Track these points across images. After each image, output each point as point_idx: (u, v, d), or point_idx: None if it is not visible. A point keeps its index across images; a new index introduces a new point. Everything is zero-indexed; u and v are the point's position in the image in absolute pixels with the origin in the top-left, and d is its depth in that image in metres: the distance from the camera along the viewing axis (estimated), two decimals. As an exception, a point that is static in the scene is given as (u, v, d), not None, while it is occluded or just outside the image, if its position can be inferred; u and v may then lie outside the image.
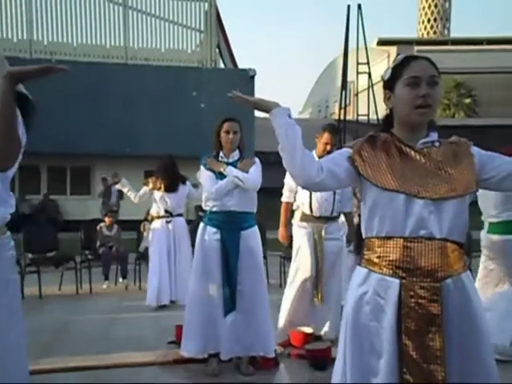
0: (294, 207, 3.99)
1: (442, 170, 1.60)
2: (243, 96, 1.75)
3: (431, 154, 1.62)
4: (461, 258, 1.60)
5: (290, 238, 4.04)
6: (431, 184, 1.57)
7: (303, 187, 1.67)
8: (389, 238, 1.58)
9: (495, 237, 3.71)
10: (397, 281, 1.56)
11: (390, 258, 1.58)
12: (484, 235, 3.82)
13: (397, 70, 1.65)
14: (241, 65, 17.10)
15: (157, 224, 5.50)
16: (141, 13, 15.61)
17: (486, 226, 3.81)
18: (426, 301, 1.53)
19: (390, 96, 1.67)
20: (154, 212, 5.57)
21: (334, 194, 3.80)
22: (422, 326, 1.52)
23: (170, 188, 5.38)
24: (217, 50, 16.40)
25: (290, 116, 1.67)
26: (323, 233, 3.86)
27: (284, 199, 4.02)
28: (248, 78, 14.93)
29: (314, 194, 3.78)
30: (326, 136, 3.81)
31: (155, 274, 5.36)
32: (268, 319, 3.41)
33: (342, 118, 17.04)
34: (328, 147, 3.76)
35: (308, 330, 3.86)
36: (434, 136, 1.67)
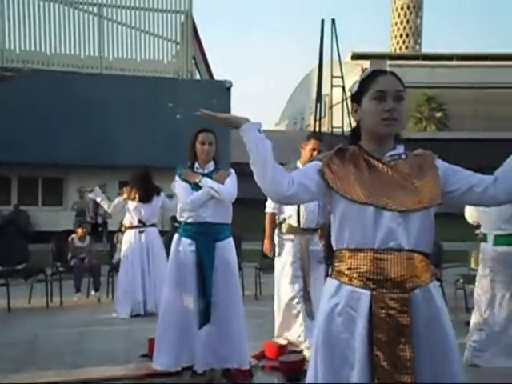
0: (280, 219, 3.93)
1: (409, 183, 1.62)
2: (211, 113, 1.75)
3: (398, 167, 1.65)
4: (428, 268, 1.63)
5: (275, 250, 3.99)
6: (398, 196, 1.60)
7: (275, 201, 1.68)
8: (359, 249, 1.60)
9: (502, 248, 3.79)
10: (367, 292, 1.58)
11: (361, 270, 1.60)
12: (489, 247, 3.87)
13: (364, 83, 1.68)
14: (217, 76, 17.18)
15: (129, 234, 5.46)
16: (116, 23, 15.55)
17: (491, 238, 3.86)
18: (396, 312, 1.55)
19: (358, 109, 1.70)
20: (126, 222, 5.53)
21: (319, 205, 3.81)
22: (392, 337, 1.54)
23: (145, 198, 5.37)
24: (193, 61, 16.43)
25: (259, 131, 1.68)
26: (309, 244, 3.86)
27: (268, 210, 3.97)
28: (224, 89, 14.98)
29: (301, 206, 3.78)
30: (312, 141, 3.82)
31: (126, 285, 5.31)
32: (243, 331, 3.40)
33: (317, 130, 17.26)
34: (315, 153, 3.75)
35: (283, 341, 3.86)
36: (401, 149, 1.70)
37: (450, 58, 38.12)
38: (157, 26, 15.79)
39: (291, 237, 3.87)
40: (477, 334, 3.91)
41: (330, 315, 1.61)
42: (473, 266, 5.98)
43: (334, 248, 1.69)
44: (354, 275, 1.60)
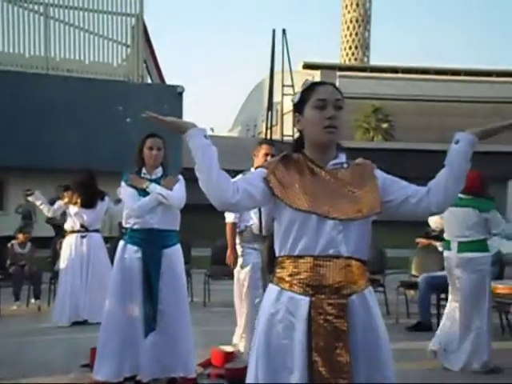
0: (242, 228, 3.86)
1: (350, 191, 1.67)
2: (157, 116, 1.73)
3: (340, 175, 1.69)
4: (364, 274, 1.68)
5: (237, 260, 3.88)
6: (340, 205, 1.64)
7: (219, 208, 1.68)
8: (300, 256, 1.63)
9: (467, 255, 4.00)
10: (307, 298, 1.61)
11: (301, 277, 1.62)
12: (453, 255, 4.08)
13: (305, 93, 1.72)
14: (169, 81, 17.02)
15: (71, 239, 5.33)
16: (63, 23, 15.13)
17: (455, 246, 4.07)
18: (334, 317, 1.58)
19: (300, 119, 1.74)
20: (68, 227, 5.39)
21: None
22: (330, 342, 1.57)
23: (88, 203, 5.25)
24: (144, 65, 16.22)
25: (206, 136, 1.67)
26: None
27: (229, 220, 3.84)
28: (176, 94, 14.87)
29: (263, 213, 3.73)
30: (264, 147, 3.79)
31: (66, 291, 5.17)
32: (189, 339, 3.37)
33: (268, 137, 17.44)
34: (268, 158, 3.73)
35: (229, 348, 3.85)
36: (343, 157, 1.74)
37: (395, 70, 39.56)
38: (106, 28, 15.49)
39: (254, 245, 3.81)
40: (448, 338, 4.09)
41: (271, 322, 1.63)
42: (413, 272, 6.22)
43: (277, 254, 1.71)
44: (295, 281, 1.63)
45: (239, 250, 3.90)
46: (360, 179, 1.70)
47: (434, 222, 4.38)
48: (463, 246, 4.03)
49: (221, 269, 6.96)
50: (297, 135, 1.80)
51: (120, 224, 7.29)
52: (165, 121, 1.71)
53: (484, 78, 38.65)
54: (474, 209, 4.02)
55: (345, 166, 1.73)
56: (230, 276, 6.83)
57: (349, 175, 1.70)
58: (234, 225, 3.85)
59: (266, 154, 3.73)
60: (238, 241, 3.90)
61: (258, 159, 3.80)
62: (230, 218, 3.85)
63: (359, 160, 1.77)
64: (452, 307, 4.16)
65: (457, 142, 1.69)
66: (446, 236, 4.21)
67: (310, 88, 1.73)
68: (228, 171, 1.66)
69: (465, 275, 4.03)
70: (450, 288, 4.22)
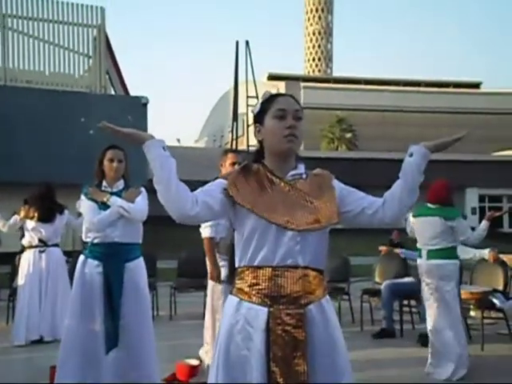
0: (217, 240, 3.71)
1: (308, 202, 1.69)
2: (114, 127, 1.71)
3: (299, 186, 1.71)
4: (321, 284, 1.70)
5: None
6: (298, 215, 1.65)
7: (178, 220, 1.66)
8: (259, 267, 1.64)
9: (435, 262, 4.15)
10: (265, 309, 1.61)
11: (260, 287, 1.63)
12: (423, 262, 4.24)
13: (265, 104, 1.74)
14: (134, 92, 16.87)
15: (28, 254, 5.18)
16: (22, 34, 14.83)
17: (424, 253, 4.22)
18: (292, 327, 1.59)
19: (260, 129, 1.76)
20: (25, 242, 5.24)
21: None
22: (288, 352, 1.58)
23: (45, 217, 5.11)
24: (107, 76, 16.03)
25: (164, 148, 1.66)
26: None
27: (206, 235, 3.69)
28: (140, 105, 14.73)
29: None
30: (230, 156, 3.73)
31: (23, 308, 5.02)
32: (153, 354, 3.30)
33: (234, 147, 17.46)
34: (236, 167, 3.70)
35: (194, 362, 3.81)
36: (302, 168, 1.76)
37: (358, 81, 40.40)
38: (67, 39, 15.27)
39: (227, 257, 3.63)
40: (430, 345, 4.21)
41: (230, 333, 1.63)
42: (377, 279, 6.32)
43: (237, 265, 1.72)
44: (253, 292, 1.64)
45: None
46: (318, 190, 1.72)
47: (409, 231, 4.58)
48: (432, 254, 4.17)
49: (187, 281, 6.92)
50: (257, 145, 1.81)
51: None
52: (122, 132, 1.69)
53: (444, 89, 39.92)
54: (440, 217, 4.15)
55: (303, 176, 1.74)
56: (197, 288, 6.84)
57: (307, 186, 1.71)
58: (212, 239, 3.71)
59: (233, 163, 3.67)
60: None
61: (225, 168, 3.76)
62: (206, 232, 3.70)
63: (317, 170, 1.79)
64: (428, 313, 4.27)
65: (411, 155, 1.72)
66: (418, 244, 4.35)
67: (269, 99, 1.75)
68: (195, 182, 1.64)
69: (433, 282, 4.15)
70: (423, 295, 4.33)
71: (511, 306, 4.89)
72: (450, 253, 4.16)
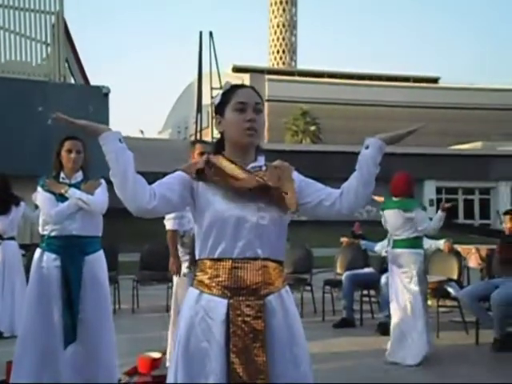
0: (181, 233, 3.69)
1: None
2: (68, 118, 1.67)
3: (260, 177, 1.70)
4: (281, 274, 1.72)
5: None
6: (258, 207, 1.66)
7: (135, 214, 1.64)
8: (219, 259, 1.64)
9: (398, 251, 4.37)
10: (225, 301, 1.62)
11: (220, 279, 1.63)
12: (389, 250, 4.48)
13: (225, 96, 1.74)
14: (95, 82, 16.48)
15: None
16: (-25, 20, 14.22)
17: (391, 242, 4.46)
18: (251, 318, 1.61)
19: (221, 120, 1.75)
20: None
21: None
22: (248, 343, 1.59)
23: (0, 209, 4.95)
24: (66, 65, 15.58)
25: (121, 140, 1.63)
26: None
27: (169, 227, 3.69)
28: (101, 95, 14.40)
29: None
30: (198, 146, 3.70)
31: None
32: (112, 348, 3.26)
33: (198, 139, 17.36)
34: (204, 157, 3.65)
35: (156, 354, 3.79)
36: (262, 160, 1.77)
37: (321, 75, 40.76)
38: (24, 26, 14.71)
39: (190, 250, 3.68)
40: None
41: (190, 325, 1.63)
42: (338, 270, 6.43)
43: (197, 257, 1.71)
44: (213, 284, 1.64)
45: (180, 256, 3.74)
46: (278, 181, 1.72)
47: (383, 223, 4.71)
48: (397, 243, 4.41)
49: (150, 274, 6.86)
50: (218, 137, 1.81)
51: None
52: (76, 123, 1.66)
53: (403, 84, 40.78)
54: (400, 209, 4.38)
55: (263, 168, 1.75)
56: (160, 281, 6.78)
57: (267, 178, 1.71)
58: (175, 232, 3.70)
59: (201, 153, 3.64)
60: (178, 247, 3.75)
61: (193, 159, 3.73)
62: (169, 225, 3.70)
63: (277, 162, 1.80)
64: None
65: (366, 148, 1.76)
66: (388, 235, 4.58)
67: (230, 90, 1.74)
68: (158, 174, 1.61)
69: (398, 270, 4.35)
70: (389, 282, 4.50)
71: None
72: (413, 243, 4.36)
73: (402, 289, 4.30)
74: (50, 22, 15.01)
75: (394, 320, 4.32)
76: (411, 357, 4.13)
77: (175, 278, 3.82)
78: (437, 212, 4.55)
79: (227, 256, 1.63)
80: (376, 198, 5.19)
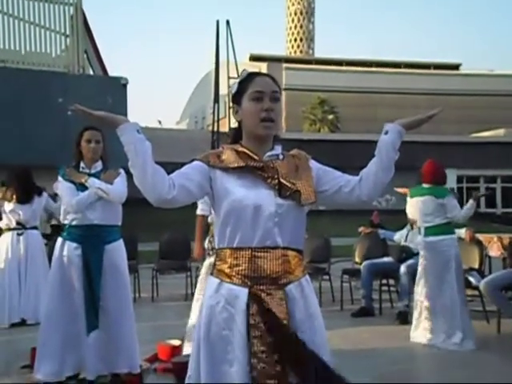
0: (210, 221, 3.67)
1: (286, 182, 1.67)
2: (86, 110, 1.67)
3: (276, 166, 1.71)
4: (300, 263, 1.72)
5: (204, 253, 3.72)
6: (276, 196, 1.65)
7: (155, 204, 1.64)
8: (239, 248, 1.64)
9: (432, 238, 4.38)
10: (245, 290, 1.62)
11: (240, 268, 1.64)
12: (421, 239, 4.48)
13: (242, 84, 1.73)
14: (113, 73, 16.59)
15: (6, 237, 5.12)
16: (-4, 12, 14.39)
17: (422, 231, 4.46)
18: (272, 307, 1.60)
19: (238, 110, 1.74)
20: (3, 225, 5.18)
21: None
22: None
23: (23, 199, 5.05)
24: (85, 56, 15.70)
25: (138, 131, 1.64)
26: None
27: (199, 212, 3.71)
28: (120, 86, 14.52)
29: None
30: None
31: (4, 291, 4.99)
32: (133, 335, 3.31)
33: (215, 129, 17.36)
34: None
35: (176, 342, 3.83)
36: (278, 149, 1.76)
37: (339, 63, 40.28)
38: (43, 18, 14.86)
39: None
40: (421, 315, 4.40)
41: (212, 313, 1.64)
42: (357, 260, 6.40)
43: (216, 247, 1.72)
44: (234, 273, 1.64)
45: (206, 244, 3.73)
46: (295, 170, 1.72)
47: (408, 212, 4.76)
48: (428, 231, 4.42)
49: (168, 263, 6.92)
50: (236, 126, 1.80)
51: (50, 221, 6.99)
52: (94, 115, 1.66)
53: (423, 71, 40.10)
54: (431, 196, 4.40)
55: (280, 157, 1.75)
56: (178, 270, 6.84)
57: (284, 166, 1.72)
58: (204, 217, 3.71)
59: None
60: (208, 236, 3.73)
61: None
62: (199, 209, 3.73)
63: (294, 151, 1.80)
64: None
65: (386, 133, 1.74)
66: (418, 223, 4.59)
67: (247, 79, 1.73)
68: (176, 164, 1.62)
69: (431, 258, 4.36)
70: (421, 271, 4.49)
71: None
72: (445, 229, 4.38)
73: (436, 276, 4.30)
74: (68, 13, 15.13)
75: (430, 308, 4.32)
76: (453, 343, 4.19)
77: (204, 267, 3.73)
78: (458, 201, 4.54)
79: (247, 245, 1.63)
80: (399, 189, 5.17)
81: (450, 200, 4.39)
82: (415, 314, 4.47)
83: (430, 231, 4.39)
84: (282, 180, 1.66)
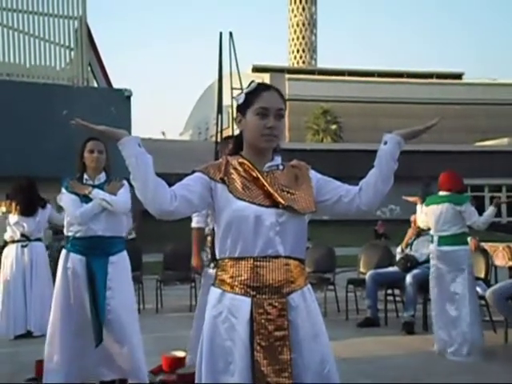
0: (207, 232, 3.68)
1: (285, 192, 1.70)
2: (87, 124, 1.70)
3: (276, 177, 1.73)
4: (302, 273, 1.72)
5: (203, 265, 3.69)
6: (276, 206, 1.66)
7: (157, 216, 1.65)
8: (241, 258, 1.65)
9: (446, 248, 4.32)
10: (248, 299, 1.63)
11: (242, 278, 1.64)
12: (434, 247, 4.41)
13: (249, 97, 1.74)
14: (118, 85, 16.71)
15: (11, 249, 5.14)
16: (2, 26, 14.54)
17: (436, 240, 4.40)
18: (275, 316, 1.61)
19: (242, 119, 1.76)
20: (7, 237, 5.20)
21: None
22: (271, 341, 1.60)
23: (27, 211, 5.07)
24: (89, 69, 15.82)
25: (139, 145, 1.66)
26: None
27: (194, 225, 3.67)
28: (124, 98, 14.59)
29: None
30: (231, 141, 3.64)
31: (9, 303, 5.00)
32: (139, 347, 3.29)
33: (219, 140, 17.41)
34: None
35: (180, 353, 3.81)
36: (278, 160, 1.78)
37: (341, 73, 40.43)
38: (48, 31, 15.00)
39: None
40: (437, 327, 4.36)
41: (214, 323, 1.64)
42: (362, 269, 6.37)
43: (218, 257, 1.73)
44: (236, 283, 1.65)
45: (205, 256, 3.72)
46: (295, 180, 1.74)
47: (421, 221, 4.75)
48: (443, 240, 4.36)
49: (173, 274, 6.91)
50: (238, 135, 1.82)
51: (52, 232, 7.00)
52: (95, 129, 1.69)
53: (426, 80, 40.18)
54: (450, 203, 4.36)
55: (280, 167, 1.76)
56: (183, 281, 6.83)
57: (284, 177, 1.73)
58: (200, 230, 3.69)
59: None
60: (205, 247, 3.73)
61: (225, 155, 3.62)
62: (195, 222, 3.70)
63: (294, 161, 1.81)
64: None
65: (385, 143, 1.75)
66: (431, 232, 4.54)
67: (254, 92, 1.73)
68: (181, 175, 1.63)
69: (443, 267, 4.31)
70: (433, 281, 4.46)
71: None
72: (460, 239, 4.34)
73: (449, 286, 4.27)
74: (73, 27, 15.27)
75: (444, 319, 4.29)
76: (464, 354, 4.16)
77: (203, 278, 3.76)
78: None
79: (248, 255, 1.64)
80: (409, 198, 5.15)
81: (468, 207, 4.36)
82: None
83: (445, 240, 4.33)
84: (274, 193, 1.66)
